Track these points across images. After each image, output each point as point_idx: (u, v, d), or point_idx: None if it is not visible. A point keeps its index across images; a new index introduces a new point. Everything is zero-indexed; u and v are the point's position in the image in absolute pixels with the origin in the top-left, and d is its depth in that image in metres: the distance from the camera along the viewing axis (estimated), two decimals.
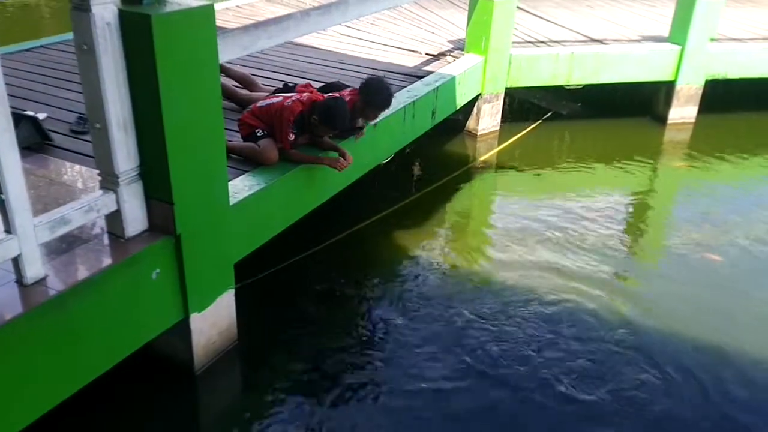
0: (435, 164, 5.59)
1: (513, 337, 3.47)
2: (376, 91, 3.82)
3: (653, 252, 4.49)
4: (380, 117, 4.02)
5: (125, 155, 2.55)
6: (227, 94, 4.04)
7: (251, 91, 4.42)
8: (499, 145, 5.99)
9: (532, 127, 6.35)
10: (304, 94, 3.67)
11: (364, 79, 3.91)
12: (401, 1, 5.24)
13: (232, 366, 3.21)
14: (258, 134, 3.59)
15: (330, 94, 3.81)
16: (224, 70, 4.52)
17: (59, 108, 4.07)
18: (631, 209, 5.11)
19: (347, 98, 3.76)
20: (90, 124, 2.52)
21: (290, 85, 4.23)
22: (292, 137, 3.51)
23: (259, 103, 3.70)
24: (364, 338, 3.46)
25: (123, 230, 2.64)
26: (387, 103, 3.88)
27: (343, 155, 3.68)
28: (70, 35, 2.84)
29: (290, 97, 3.65)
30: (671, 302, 3.82)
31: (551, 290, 3.87)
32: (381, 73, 5.25)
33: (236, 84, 4.46)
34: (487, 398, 3.08)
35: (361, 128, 4.00)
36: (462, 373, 3.22)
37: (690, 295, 3.89)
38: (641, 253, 4.47)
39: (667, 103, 6.53)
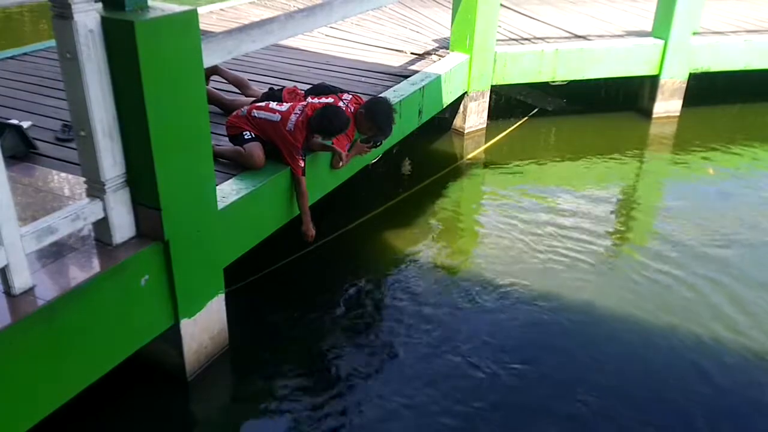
0: (423, 163, 5.61)
1: (507, 333, 3.48)
2: (384, 119, 3.84)
3: (642, 245, 4.51)
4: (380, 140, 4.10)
5: (111, 162, 2.54)
6: (212, 98, 4.04)
7: (245, 93, 4.43)
8: (486, 142, 6.02)
9: (518, 124, 6.38)
10: (298, 106, 3.63)
11: (374, 98, 4.03)
12: (386, 1, 5.25)
13: (224, 371, 3.21)
14: (245, 137, 3.57)
15: (321, 99, 3.82)
16: (219, 72, 4.55)
17: (44, 116, 4.04)
18: (619, 203, 5.14)
19: (349, 105, 3.84)
20: (75, 132, 2.51)
21: (276, 88, 4.22)
22: (302, 163, 3.53)
23: (255, 112, 3.64)
24: (357, 340, 3.46)
25: (111, 237, 2.63)
26: (390, 128, 3.90)
27: (339, 157, 3.78)
28: (53, 42, 2.82)
29: (288, 113, 3.57)
30: (665, 296, 3.85)
31: (542, 284, 3.89)
32: (367, 74, 5.29)
33: (220, 93, 4.46)
34: (484, 395, 3.09)
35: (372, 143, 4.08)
36: (460, 372, 3.22)
37: (682, 288, 3.92)
38: (630, 247, 4.49)
39: (652, 98, 6.58)
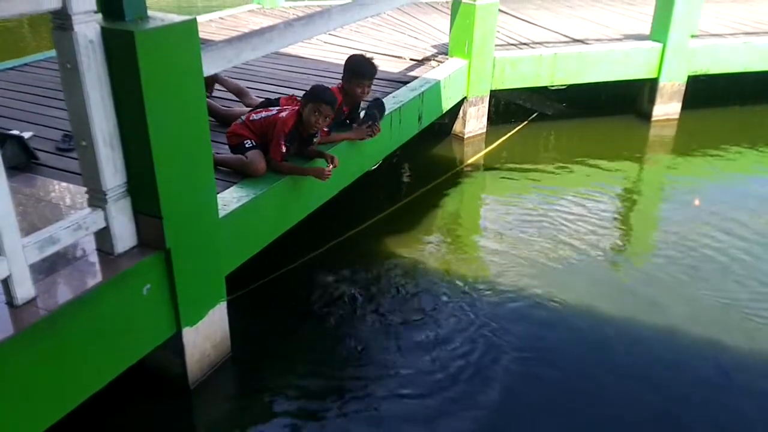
0: (423, 169, 5.62)
1: (509, 336, 3.48)
2: (355, 63, 4.02)
3: (643, 249, 4.52)
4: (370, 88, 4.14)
5: (112, 172, 2.54)
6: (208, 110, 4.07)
7: (243, 102, 4.46)
8: (486, 147, 6.03)
9: (518, 128, 6.39)
10: (296, 107, 3.67)
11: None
12: (384, 8, 5.26)
13: (226, 379, 3.20)
14: (246, 145, 3.59)
15: None
16: (220, 82, 4.58)
17: (45, 126, 4.05)
18: (619, 207, 5.15)
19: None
20: (76, 142, 2.52)
21: (272, 99, 4.24)
22: (284, 149, 3.52)
23: (253, 116, 3.70)
24: (359, 347, 3.45)
25: (112, 247, 2.63)
26: (368, 69, 4.01)
27: (331, 160, 3.67)
28: (53, 52, 2.84)
29: (285, 109, 3.66)
30: (664, 297, 3.85)
31: (543, 288, 3.89)
32: None
33: (216, 104, 4.49)
34: (484, 401, 3.09)
35: (373, 122, 4.13)
36: (464, 376, 3.22)
37: (682, 290, 3.92)
38: (631, 250, 4.50)
39: (651, 101, 6.59)
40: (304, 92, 3.85)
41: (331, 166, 3.63)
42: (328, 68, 5.63)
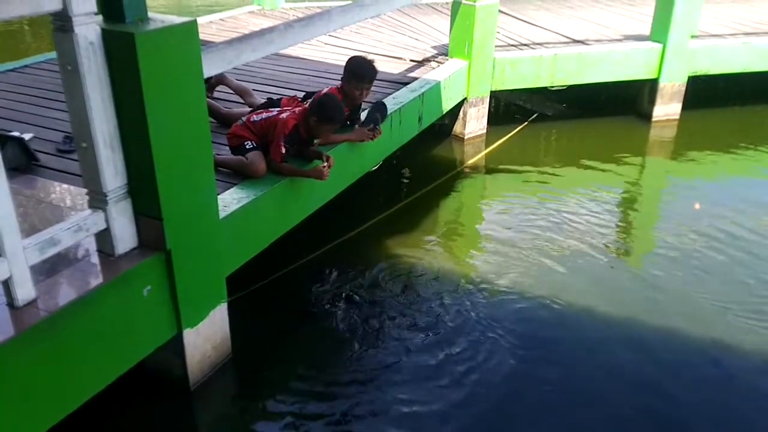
0: (423, 169, 5.62)
1: (510, 338, 3.48)
2: (356, 65, 3.98)
3: (644, 249, 4.52)
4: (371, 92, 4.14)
5: (113, 173, 2.55)
6: (209, 111, 4.08)
7: (246, 101, 4.48)
8: (486, 148, 6.03)
9: (518, 129, 6.39)
10: (297, 109, 3.68)
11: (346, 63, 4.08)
12: (384, 9, 5.26)
13: (227, 379, 3.21)
14: (247, 147, 3.59)
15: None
16: (225, 82, 4.61)
17: (45, 127, 4.05)
18: (620, 207, 5.15)
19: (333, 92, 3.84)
20: (76, 144, 2.52)
21: (274, 99, 4.24)
22: (283, 150, 3.52)
23: (254, 117, 3.71)
24: (360, 348, 3.46)
25: (113, 248, 2.63)
26: (369, 72, 3.98)
27: (326, 159, 3.66)
28: (54, 54, 2.85)
29: (285, 111, 3.67)
30: (665, 297, 3.85)
31: (544, 289, 3.89)
32: None
33: (217, 105, 4.50)
34: (486, 402, 3.09)
35: (375, 125, 4.13)
36: (465, 378, 3.22)
37: (683, 290, 3.92)
38: (632, 251, 4.50)
39: (651, 101, 6.59)
40: (304, 93, 3.90)
41: (326, 164, 3.63)
42: (328, 69, 5.64)
